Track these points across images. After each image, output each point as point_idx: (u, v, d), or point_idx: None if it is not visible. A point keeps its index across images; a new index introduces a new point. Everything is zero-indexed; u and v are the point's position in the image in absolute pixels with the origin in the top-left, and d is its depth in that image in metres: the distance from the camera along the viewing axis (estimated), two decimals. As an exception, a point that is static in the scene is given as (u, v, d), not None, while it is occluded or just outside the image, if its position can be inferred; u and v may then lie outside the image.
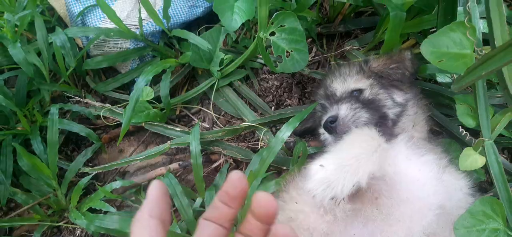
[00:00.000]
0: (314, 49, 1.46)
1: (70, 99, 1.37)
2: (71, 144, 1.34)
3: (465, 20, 0.95)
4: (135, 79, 1.39)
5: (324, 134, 1.03)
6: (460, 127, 1.04)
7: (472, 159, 0.99)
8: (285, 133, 1.13)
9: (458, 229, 0.91)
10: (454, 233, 0.90)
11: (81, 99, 1.33)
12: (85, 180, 1.17)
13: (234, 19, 1.22)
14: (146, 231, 0.56)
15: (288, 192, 0.95)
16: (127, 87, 1.44)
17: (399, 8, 1.12)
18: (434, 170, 0.93)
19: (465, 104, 1.06)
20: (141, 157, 1.19)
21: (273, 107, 1.33)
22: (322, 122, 1.02)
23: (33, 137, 1.20)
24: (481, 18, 1.02)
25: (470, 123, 1.03)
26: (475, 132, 1.03)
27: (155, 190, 0.60)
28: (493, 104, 1.15)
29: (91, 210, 1.18)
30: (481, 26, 1.04)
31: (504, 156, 1.17)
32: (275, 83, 1.37)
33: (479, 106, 0.99)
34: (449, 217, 0.91)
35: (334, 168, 0.77)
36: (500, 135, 1.06)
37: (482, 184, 1.15)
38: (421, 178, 0.91)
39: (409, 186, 0.89)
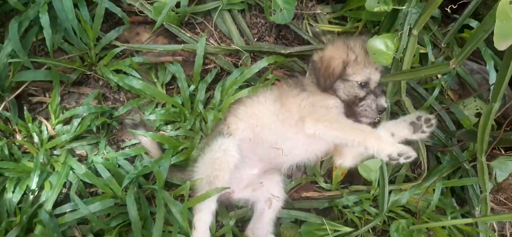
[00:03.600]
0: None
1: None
2: (100, 17, 1.84)
3: (397, 37, 1.61)
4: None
5: None
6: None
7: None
8: (263, 63, 1.77)
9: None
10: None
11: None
12: (117, 50, 1.73)
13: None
14: None
15: (258, 97, 1.62)
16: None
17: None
18: None
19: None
20: (162, 48, 1.78)
21: (256, 39, 1.94)
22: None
23: (81, 5, 1.68)
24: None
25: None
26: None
27: None
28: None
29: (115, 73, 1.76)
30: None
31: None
32: (262, 21, 1.96)
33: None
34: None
35: None
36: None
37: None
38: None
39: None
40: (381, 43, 1.64)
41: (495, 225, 2.00)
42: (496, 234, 1.97)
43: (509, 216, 1.81)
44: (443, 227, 1.82)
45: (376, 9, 1.74)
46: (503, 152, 1.89)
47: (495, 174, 1.84)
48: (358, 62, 1.59)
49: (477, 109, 2.04)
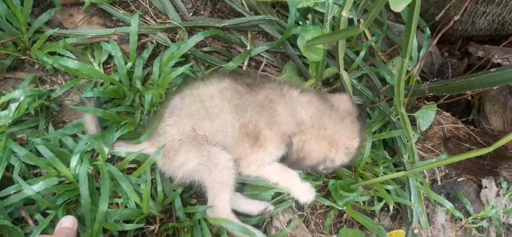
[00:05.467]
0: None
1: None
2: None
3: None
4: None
5: None
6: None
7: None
8: (199, 36, 1.91)
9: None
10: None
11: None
12: (50, 32, 1.81)
13: None
14: None
15: (209, 79, 1.77)
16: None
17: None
18: None
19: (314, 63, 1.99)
20: (94, 34, 1.89)
21: (191, 13, 2.06)
22: None
23: (9, -10, 1.75)
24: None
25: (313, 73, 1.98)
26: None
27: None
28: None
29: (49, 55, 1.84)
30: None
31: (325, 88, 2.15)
32: (196, -5, 2.09)
33: (320, 64, 1.92)
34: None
35: None
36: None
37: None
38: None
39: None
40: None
41: (425, 172, 2.28)
42: (427, 179, 2.24)
43: (436, 163, 2.06)
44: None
45: (299, 6, 1.93)
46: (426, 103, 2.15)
47: (419, 124, 2.09)
48: (337, 155, 1.77)
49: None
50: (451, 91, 1.66)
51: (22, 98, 1.73)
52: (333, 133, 1.73)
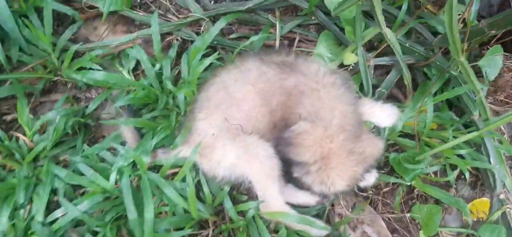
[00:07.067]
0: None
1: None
2: (54, 20, 1.90)
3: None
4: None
5: None
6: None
7: (351, 57, 1.79)
8: (221, 23, 1.81)
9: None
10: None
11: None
12: (74, 48, 1.80)
13: None
14: None
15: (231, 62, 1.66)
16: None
17: None
18: None
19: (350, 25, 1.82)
20: (118, 42, 1.87)
21: (212, 2, 1.97)
22: None
23: (30, 14, 1.76)
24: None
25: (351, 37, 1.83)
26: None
27: None
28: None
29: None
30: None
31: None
32: (215, -17, 1.99)
33: (356, 24, 1.74)
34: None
35: None
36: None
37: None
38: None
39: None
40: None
41: (502, 128, 2.00)
42: (505, 136, 1.96)
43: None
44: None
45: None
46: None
47: (486, 73, 1.83)
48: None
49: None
50: (516, 22, 1.41)
51: (57, 118, 1.72)
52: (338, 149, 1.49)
